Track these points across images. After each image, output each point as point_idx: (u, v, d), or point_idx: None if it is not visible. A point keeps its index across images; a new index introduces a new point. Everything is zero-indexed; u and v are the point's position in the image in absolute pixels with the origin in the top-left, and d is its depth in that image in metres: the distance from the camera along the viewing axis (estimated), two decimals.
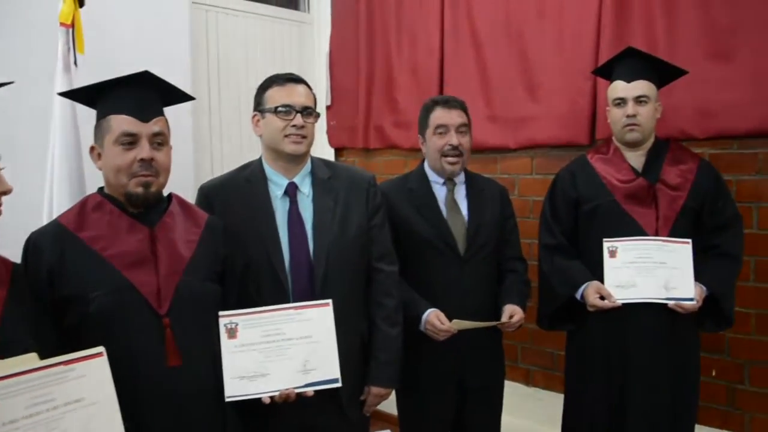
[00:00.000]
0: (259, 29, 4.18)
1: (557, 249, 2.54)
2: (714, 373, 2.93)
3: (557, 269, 2.51)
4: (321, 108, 4.36)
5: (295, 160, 2.10)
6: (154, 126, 1.73)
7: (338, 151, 4.46)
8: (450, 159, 2.45)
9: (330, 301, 1.89)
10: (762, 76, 2.73)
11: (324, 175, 2.16)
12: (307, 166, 2.15)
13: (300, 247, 2.05)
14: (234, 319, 1.80)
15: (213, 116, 3.93)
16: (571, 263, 2.49)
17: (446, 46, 3.75)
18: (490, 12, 3.56)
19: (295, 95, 2.08)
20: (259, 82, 2.15)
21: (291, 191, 2.10)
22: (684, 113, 2.93)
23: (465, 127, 2.48)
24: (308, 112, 2.09)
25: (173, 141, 1.83)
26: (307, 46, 4.46)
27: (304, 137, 2.07)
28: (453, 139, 2.43)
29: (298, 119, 2.05)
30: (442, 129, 2.45)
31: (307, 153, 2.13)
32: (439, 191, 2.52)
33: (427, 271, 2.44)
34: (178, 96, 1.87)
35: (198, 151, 3.73)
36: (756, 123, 2.75)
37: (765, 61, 2.72)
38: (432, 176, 2.54)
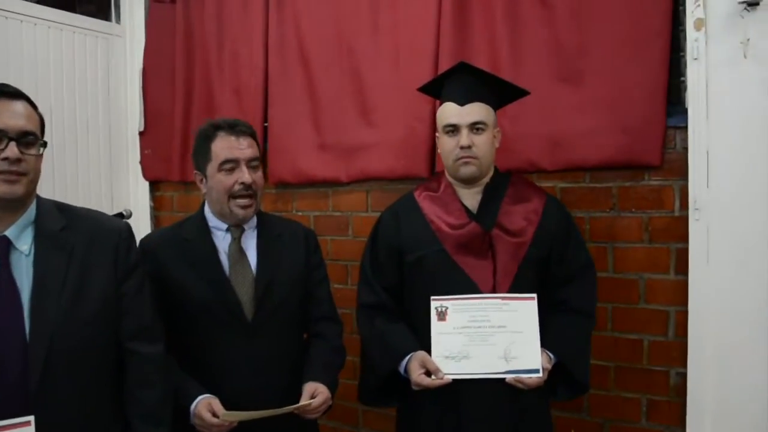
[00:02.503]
0: (54, 40, 3.48)
1: (378, 309, 2.10)
2: None
3: (377, 335, 2.06)
4: (134, 134, 3.80)
5: (9, 206, 1.53)
6: None
7: (154, 185, 3.81)
8: (241, 201, 1.95)
9: (31, 418, 1.33)
10: (613, 101, 2.44)
11: (55, 226, 1.60)
12: (30, 213, 1.58)
13: (11, 327, 1.48)
14: None
15: None
16: (393, 328, 2.05)
17: (271, 63, 3.25)
18: (319, 26, 3.10)
19: (7, 116, 1.51)
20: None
21: (1, 249, 1.51)
22: (532, 142, 2.60)
23: (257, 161, 1.98)
24: (28, 140, 1.53)
25: None
26: (117, 62, 3.80)
27: (21, 175, 1.51)
28: (245, 175, 1.93)
29: (11, 149, 1.49)
30: (231, 164, 1.94)
31: (26, 196, 1.55)
32: (222, 241, 2.01)
33: (206, 346, 1.94)
34: None
35: None
36: (609, 153, 2.45)
37: (616, 85, 2.43)
38: (213, 222, 2.03)
